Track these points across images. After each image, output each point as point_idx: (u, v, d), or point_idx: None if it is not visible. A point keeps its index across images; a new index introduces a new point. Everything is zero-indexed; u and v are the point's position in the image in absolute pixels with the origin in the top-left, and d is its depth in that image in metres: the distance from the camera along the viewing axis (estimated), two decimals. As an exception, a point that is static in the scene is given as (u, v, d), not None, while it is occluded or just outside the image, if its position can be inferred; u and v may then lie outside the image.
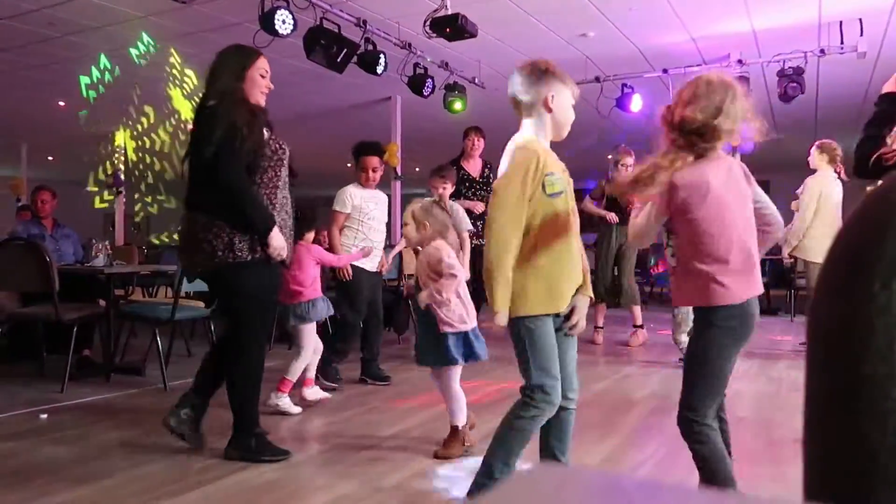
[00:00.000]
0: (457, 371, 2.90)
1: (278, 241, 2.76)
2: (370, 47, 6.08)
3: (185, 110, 7.99)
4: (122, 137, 10.33)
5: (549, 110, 2.07)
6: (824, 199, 5.22)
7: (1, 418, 3.43)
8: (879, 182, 0.46)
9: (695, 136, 1.90)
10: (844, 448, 0.49)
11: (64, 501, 2.34)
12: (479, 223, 5.53)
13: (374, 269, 4.36)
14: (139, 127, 9.17)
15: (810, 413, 0.58)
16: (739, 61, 6.74)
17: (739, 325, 1.92)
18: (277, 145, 2.87)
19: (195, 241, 2.73)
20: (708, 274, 1.91)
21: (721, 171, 1.94)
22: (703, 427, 1.93)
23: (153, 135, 9.16)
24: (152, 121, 8.97)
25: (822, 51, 6.35)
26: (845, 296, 0.48)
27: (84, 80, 7.76)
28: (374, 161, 4.32)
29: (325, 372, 4.10)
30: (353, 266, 4.16)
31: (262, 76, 2.88)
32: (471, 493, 2.16)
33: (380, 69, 6.13)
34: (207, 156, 2.65)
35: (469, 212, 5.47)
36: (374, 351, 4.41)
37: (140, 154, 9.75)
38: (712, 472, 1.95)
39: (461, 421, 2.85)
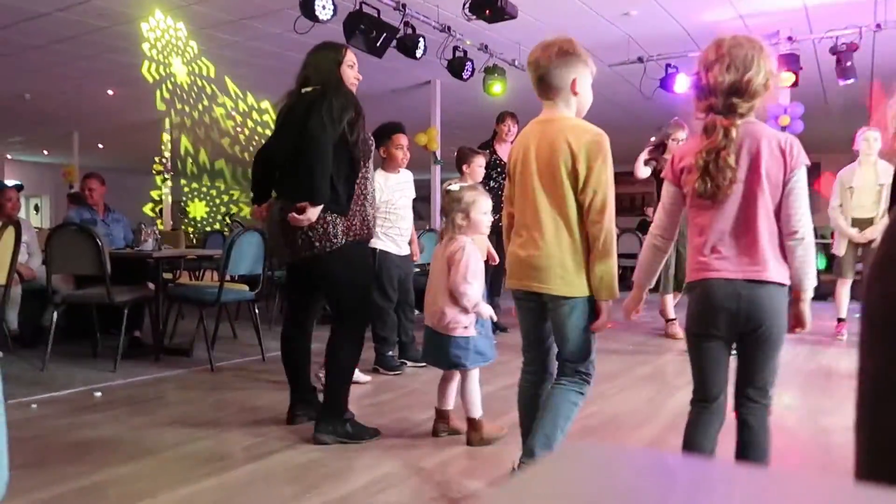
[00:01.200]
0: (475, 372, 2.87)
1: (313, 215, 2.70)
2: (409, 31, 6.07)
3: (181, 75, 8.04)
4: (168, 123, 10.55)
5: (576, 93, 2.07)
6: None
7: (59, 396, 3.58)
8: None
9: (733, 97, 1.80)
10: (894, 435, 0.48)
11: (120, 475, 2.44)
12: None
13: (404, 254, 4.37)
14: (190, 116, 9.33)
15: (862, 395, 0.56)
16: (790, 38, 6.52)
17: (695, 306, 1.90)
18: (367, 136, 2.95)
19: (291, 230, 2.76)
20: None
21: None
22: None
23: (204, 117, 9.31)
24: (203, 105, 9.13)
25: (878, 25, 6.09)
26: (894, 277, 0.47)
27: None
28: (405, 139, 4.27)
29: (383, 362, 4.21)
30: (380, 251, 4.17)
31: (351, 67, 2.96)
32: (522, 462, 2.17)
33: (419, 53, 6.13)
34: (320, 115, 2.67)
35: (500, 196, 5.44)
36: (409, 335, 4.45)
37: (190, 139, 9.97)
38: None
39: (478, 413, 2.83)
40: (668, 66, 7.23)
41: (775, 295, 1.81)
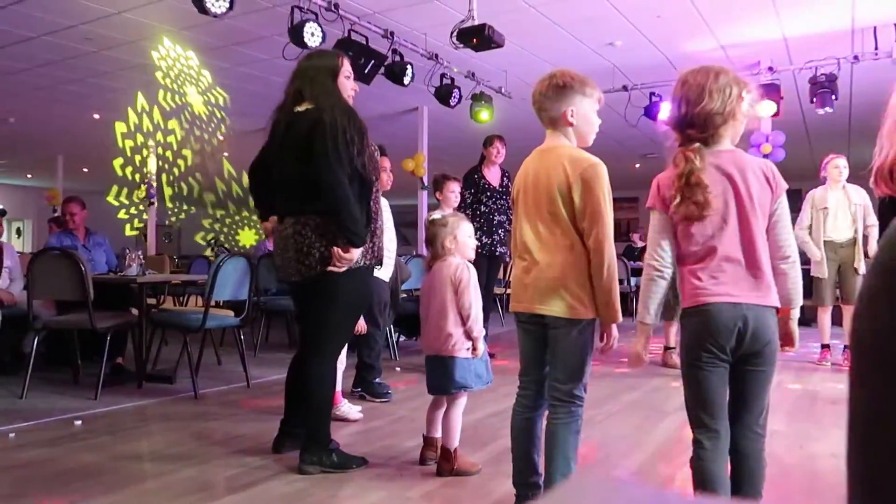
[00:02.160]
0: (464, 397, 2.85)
1: (353, 257, 2.71)
2: (397, 58, 6.13)
3: (197, 105, 8.06)
4: (152, 160, 10.36)
5: (570, 124, 2.11)
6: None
7: (39, 424, 3.50)
8: None
9: (689, 129, 1.87)
10: (887, 467, 0.48)
11: (98, 507, 2.38)
12: (500, 231, 5.53)
13: (387, 278, 4.35)
14: (169, 152, 9.24)
15: (853, 429, 0.56)
16: (770, 69, 6.66)
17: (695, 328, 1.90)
18: (374, 149, 2.87)
19: (306, 246, 2.69)
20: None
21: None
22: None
23: (183, 152, 9.23)
24: (179, 138, 9.05)
25: (855, 57, 6.24)
26: (886, 309, 0.48)
27: (120, 127, 7.88)
28: (387, 162, 4.27)
29: (371, 389, 4.16)
30: (366, 277, 4.13)
31: (348, 78, 2.85)
32: (525, 498, 2.17)
33: (407, 80, 6.18)
34: (324, 156, 2.60)
35: (490, 220, 5.49)
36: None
37: (170, 169, 9.79)
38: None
39: (455, 444, 2.78)
40: (651, 94, 7.35)
41: (773, 318, 1.85)
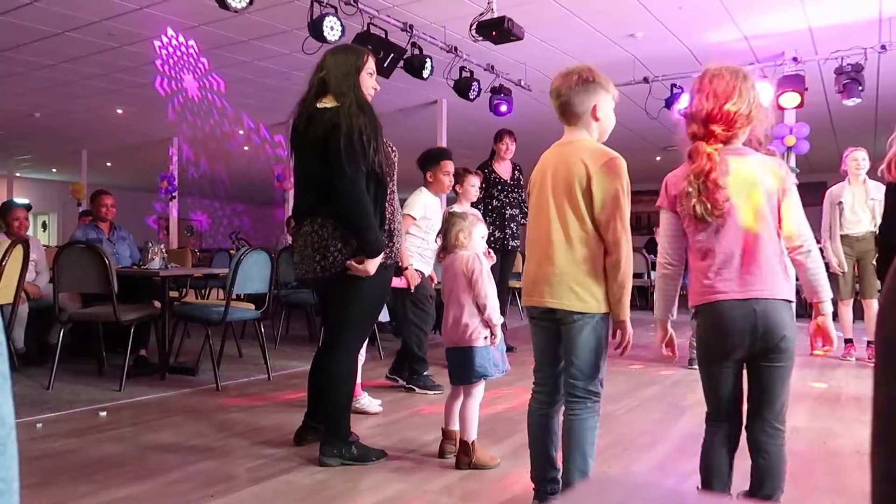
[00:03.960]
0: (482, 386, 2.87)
1: (372, 268, 2.73)
2: (416, 52, 6.12)
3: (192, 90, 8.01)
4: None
5: (597, 119, 2.11)
6: None
7: (65, 415, 3.57)
8: None
9: (712, 125, 1.88)
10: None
11: (126, 496, 2.42)
12: (512, 225, 5.52)
13: (429, 273, 4.38)
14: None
15: (877, 427, 0.56)
16: (795, 59, 6.55)
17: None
18: (390, 149, 2.87)
19: (323, 247, 2.71)
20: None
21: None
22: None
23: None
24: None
25: (882, 47, 6.11)
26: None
27: None
28: (450, 166, 4.30)
29: (422, 383, 4.21)
30: (384, 276, 4.15)
31: (371, 75, 2.86)
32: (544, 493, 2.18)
33: (426, 73, 6.17)
34: (339, 163, 2.61)
35: (502, 214, 5.49)
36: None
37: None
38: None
39: (473, 436, 2.79)
40: (673, 86, 7.26)
41: (786, 311, 1.85)
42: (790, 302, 1.86)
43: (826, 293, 1.87)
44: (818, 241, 5.24)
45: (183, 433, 3.27)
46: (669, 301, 2.06)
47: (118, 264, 4.87)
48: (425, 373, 4.25)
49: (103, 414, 3.59)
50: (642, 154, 11.81)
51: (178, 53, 6.85)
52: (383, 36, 5.74)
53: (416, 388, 4.19)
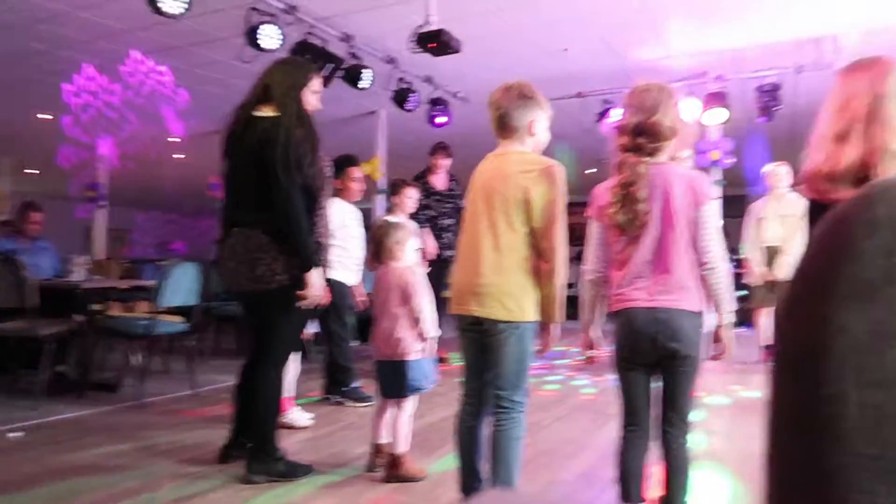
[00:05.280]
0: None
1: (317, 281, 2.70)
2: (355, 62, 6.09)
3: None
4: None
5: (532, 134, 2.16)
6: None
7: (-28, 436, 3.36)
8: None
9: (639, 137, 1.96)
10: (802, 468, 0.49)
11: (33, 522, 2.29)
12: (446, 235, 5.55)
13: (354, 284, 4.33)
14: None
15: (771, 431, 0.57)
16: (718, 77, 6.84)
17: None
18: (324, 166, 2.86)
19: (252, 260, 2.65)
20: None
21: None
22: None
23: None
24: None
25: (799, 68, 6.45)
26: (804, 317, 0.48)
27: None
28: (360, 171, 4.33)
29: (352, 394, 4.14)
30: (336, 281, 4.11)
31: (314, 94, 2.85)
32: None
33: (364, 84, 6.14)
34: (275, 176, 2.59)
35: (435, 223, 5.52)
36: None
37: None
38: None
39: (404, 449, 2.78)
40: (604, 101, 7.46)
41: (689, 321, 1.93)
42: (697, 313, 1.94)
43: (725, 307, 1.96)
44: (737, 253, 5.44)
45: (102, 453, 3.12)
46: (593, 307, 2.12)
47: (38, 276, 4.63)
48: (354, 385, 4.19)
49: (16, 434, 3.39)
50: (575, 166, 12.06)
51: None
52: (322, 46, 5.69)
53: (346, 402, 4.12)
